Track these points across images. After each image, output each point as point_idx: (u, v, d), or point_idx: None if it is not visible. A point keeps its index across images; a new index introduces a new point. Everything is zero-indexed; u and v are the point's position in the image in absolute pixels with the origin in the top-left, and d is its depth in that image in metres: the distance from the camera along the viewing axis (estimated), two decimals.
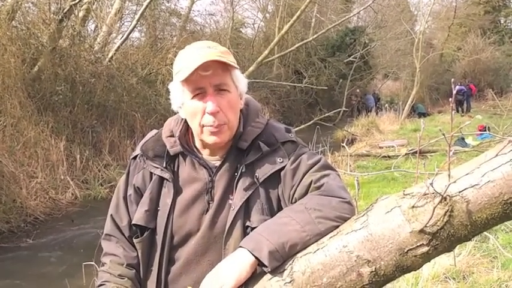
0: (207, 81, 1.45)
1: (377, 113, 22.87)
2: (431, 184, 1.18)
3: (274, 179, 1.51)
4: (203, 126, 1.48)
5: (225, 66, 1.46)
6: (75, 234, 8.23)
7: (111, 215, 1.64)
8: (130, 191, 1.61)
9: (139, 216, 1.55)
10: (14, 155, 9.37)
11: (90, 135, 11.85)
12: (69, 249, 7.58)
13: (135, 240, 1.57)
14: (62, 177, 10.29)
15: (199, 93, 1.47)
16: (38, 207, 9.08)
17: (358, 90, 27.59)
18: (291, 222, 1.35)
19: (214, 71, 1.44)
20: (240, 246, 1.35)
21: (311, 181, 1.46)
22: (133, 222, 1.56)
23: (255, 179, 1.50)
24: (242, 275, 1.31)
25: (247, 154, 1.53)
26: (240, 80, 1.54)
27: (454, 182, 1.17)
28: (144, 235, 1.55)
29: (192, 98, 1.48)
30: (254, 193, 1.49)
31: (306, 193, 1.46)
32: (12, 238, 7.93)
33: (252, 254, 1.31)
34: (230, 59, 1.48)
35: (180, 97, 1.52)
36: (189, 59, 1.45)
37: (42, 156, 10.08)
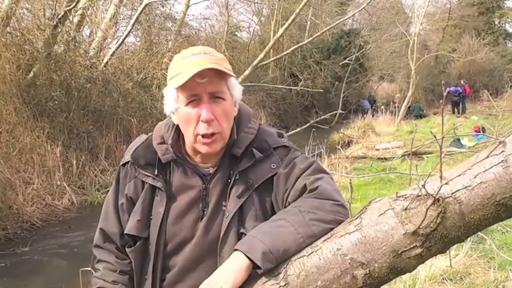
0: (202, 88, 1.43)
1: (373, 115, 22.89)
2: (423, 186, 1.18)
3: (268, 184, 1.50)
4: (197, 134, 1.46)
5: (221, 74, 1.44)
6: (72, 240, 8.20)
7: (101, 228, 1.62)
8: (122, 200, 1.59)
9: (131, 225, 1.53)
10: (10, 161, 9.33)
11: (86, 141, 11.81)
12: (66, 255, 7.55)
13: (127, 250, 1.55)
14: (59, 183, 10.24)
15: (194, 100, 1.45)
16: (35, 214, 9.02)
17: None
18: (285, 224, 1.35)
19: (210, 78, 1.42)
20: (235, 249, 1.34)
21: (305, 184, 1.45)
22: (125, 231, 1.55)
23: (249, 186, 1.49)
24: (238, 279, 1.30)
25: (240, 161, 1.51)
26: (235, 88, 1.52)
27: (447, 183, 1.17)
28: (137, 244, 1.53)
29: (187, 105, 1.45)
30: (248, 200, 1.49)
31: (299, 196, 1.45)
32: (8, 245, 7.89)
33: (246, 256, 1.30)
34: (226, 67, 1.46)
35: (174, 102, 1.49)
36: (185, 65, 1.43)
37: (38, 162, 10.03)
